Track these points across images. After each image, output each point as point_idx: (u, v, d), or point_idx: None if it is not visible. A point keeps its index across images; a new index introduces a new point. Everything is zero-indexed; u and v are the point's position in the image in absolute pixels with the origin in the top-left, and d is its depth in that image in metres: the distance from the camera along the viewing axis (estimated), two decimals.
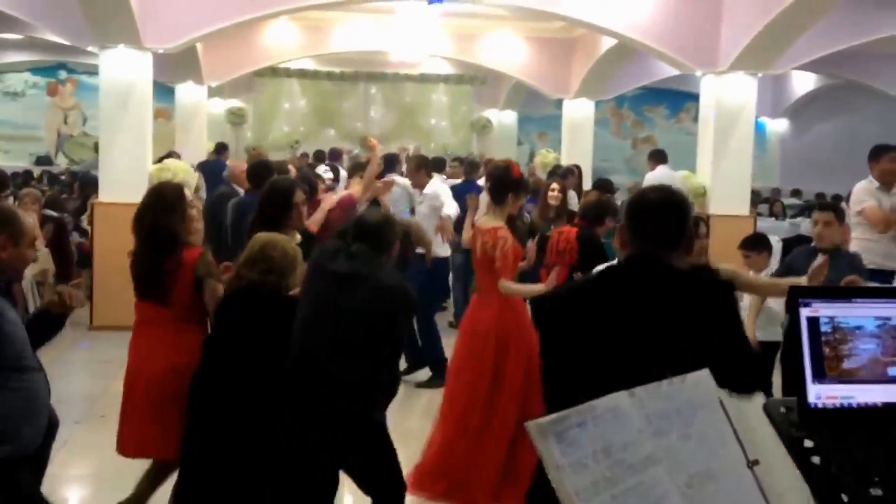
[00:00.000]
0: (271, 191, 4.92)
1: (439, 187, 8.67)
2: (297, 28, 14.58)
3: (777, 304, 5.84)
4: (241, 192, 9.06)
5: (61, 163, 18.81)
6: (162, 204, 4.18)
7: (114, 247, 7.97)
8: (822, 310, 2.04)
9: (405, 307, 3.82)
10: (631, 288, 2.72)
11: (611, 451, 1.56)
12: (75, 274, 10.05)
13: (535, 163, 15.07)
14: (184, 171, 10.07)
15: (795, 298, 2.04)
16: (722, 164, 10.32)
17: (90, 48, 10.10)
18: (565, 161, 14.02)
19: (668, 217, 2.76)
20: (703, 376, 1.75)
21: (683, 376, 1.72)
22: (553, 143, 18.27)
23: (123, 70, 9.66)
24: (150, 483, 4.39)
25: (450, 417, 5.06)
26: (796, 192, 17.53)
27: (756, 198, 13.39)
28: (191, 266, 4.10)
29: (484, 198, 8.47)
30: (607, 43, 12.81)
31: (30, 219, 3.41)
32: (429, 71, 19.11)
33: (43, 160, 18.59)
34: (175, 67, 13.50)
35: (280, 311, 3.83)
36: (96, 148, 11.00)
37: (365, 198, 6.60)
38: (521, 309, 5.21)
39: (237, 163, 10.16)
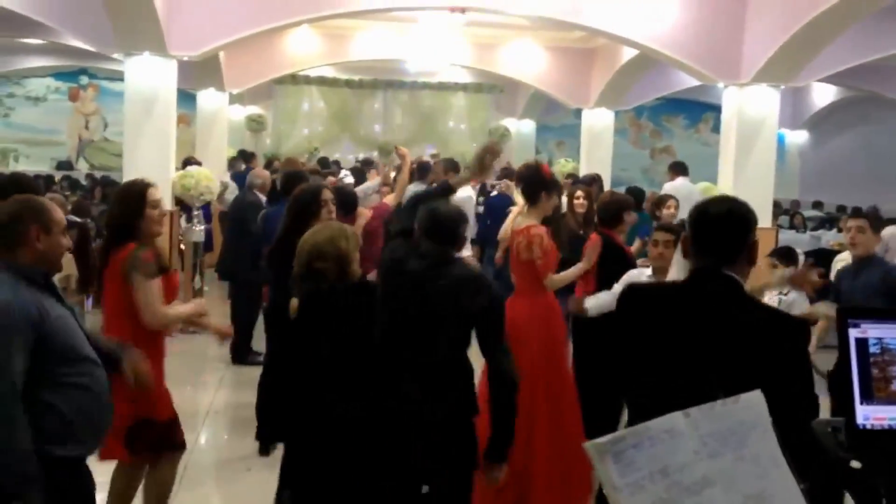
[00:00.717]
0: (299, 194, 4.96)
1: (466, 191, 8.72)
2: (317, 36, 14.65)
3: None
4: (264, 199, 9.12)
5: (82, 168, 18.94)
6: (122, 200, 4.23)
7: None
8: (871, 331, 2.04)
9: (485, 294, 3.64)
10: (691, 303, 2.75)
11: (668, 471, 1.57)
12: (95, 280, 10.11)
13: (553, 172, 15.07)
14: (206, 178, 10.15)
15: (844, 319, 2.04)
16: (744, 176, 10.30)
17: (115, 55, 10.18)
18: (584, 170, 14.04)
19: (730, 230, 2.76)
20: (756, 397, 1.76)
21: (737, 397, 1.73)
22: (571, 153, 18.30)
23: (148, 77, 9.74)
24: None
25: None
26: (818, 204, 17.45)
27: (776, 209, 13.33)
28: (121, 260, 4.07)
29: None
30: (627, 53, 12.83)
31: (58, 208, 3.39)
32: (447, 79, 19.18)
33: (64, 165, 18.71)
34: (197, 74, 13.58)
35: (352, 299, 3.73)
36: (121, 154, 11.11)
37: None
38: (555, 309, 5.27)
39: (261, 171, 10.18)
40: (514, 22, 13.21)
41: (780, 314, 2.76)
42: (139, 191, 4.21)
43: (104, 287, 4.23)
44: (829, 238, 12.68)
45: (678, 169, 11.19)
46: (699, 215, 2.84)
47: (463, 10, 10.97)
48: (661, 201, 7.99)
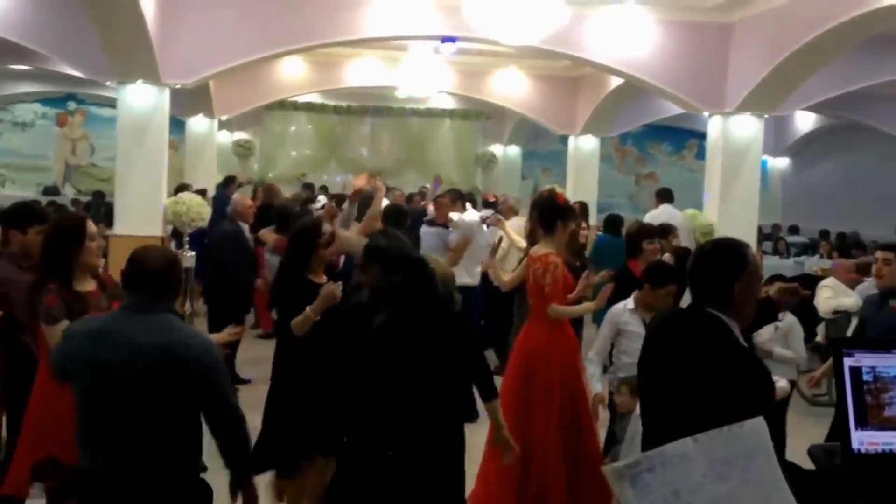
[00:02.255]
0: (298, 232, 4.97)
1: (472, 217, 8.89)
2: (307, 64, 14.78)
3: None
4: (246, 228, 8.61)
5: (68, 193, 18.93)
6: (61, 232, 4.10)
7: None
8: (864, 360, 2.15)
9: None
10: (664, 338, 2.90)
11: (680, 494, 1.66)
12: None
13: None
14: (198, 205, 10.21)
15: (839, 349, 2.15)
16: (729, 203, 10.47)
17: (108, 83, 10.28)
18: (571, 196, 14.19)
19: (706, 271, 2.86)
20: (759, 423, 1.86)
21: (741, 423, 1.83)
22: (557, 179, 18.45)
23: (141, 105, 9.84)
24: None
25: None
26: (794, 229, 17.69)
27: (758, 235, 13.51)
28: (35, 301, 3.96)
29: (515, 223, 8.65)
30: (614, 81, 13.01)
31: None
32: (435, 106, 19.32)
33: (50, 190, 18.69)
34: (187, 101, 13.66)
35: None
36: (108, 179, 11.14)
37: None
38: (571, 335, 5.37)
39: (243, 197, 9.56)
40: (501, 50, 13.40)
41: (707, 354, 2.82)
42: (79, 223, 4.16)
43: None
44: (812, 264, 12.86)
45: (663, 196, 11.27)
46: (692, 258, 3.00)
47: (453, 40, 11.14)
48: (667, 231, 8.00)
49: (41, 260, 4.10)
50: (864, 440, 2.12)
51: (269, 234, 7.73)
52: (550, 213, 5.30)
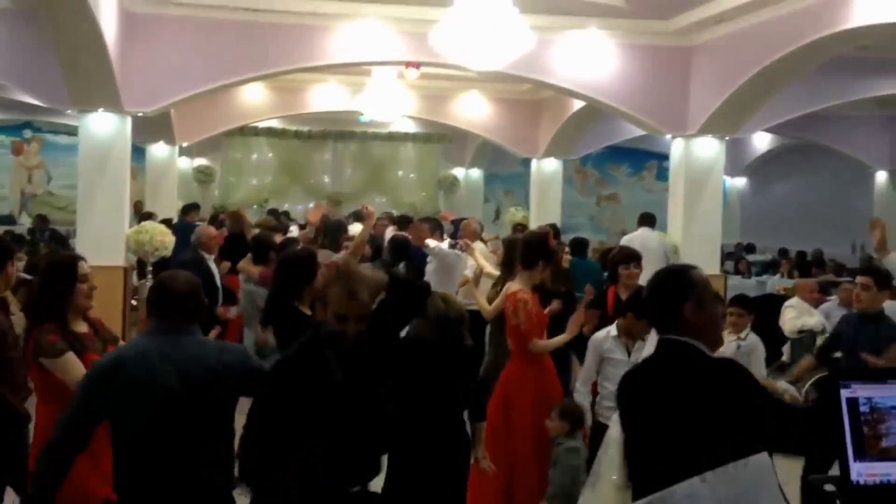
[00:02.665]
0: (292, 262, 4.93)
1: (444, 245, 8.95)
2: (269, 90, 14.70)
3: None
4: (210, 258, 8.47)
5: (25, 222, 18.59)
6: (52, 274, 4.07)
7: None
8: (860, 391, 2.16)
9: None
10: (647, 375, 2.90)
11: None
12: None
13: (505, 221, 15.34)
14: (161, 234, 10.08)
15: (835, 380, 2.16)
16: (692, 224, 10.58)
17: (69, 111, 10.13)
18: (534, 219, 14.26)
19: (655, 298, 2.89)
20: (763, 459, 1.86)
21: (746, 460, 1.83)
22: (519, 201, 18.54)
23: (103, 133, 9.71)
24: None
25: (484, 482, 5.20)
26: (750, 248, 17.91)
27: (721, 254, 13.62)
28: (32, 344, 3.93)
29: (483, 248, 8.66)
30: (576, 104, 13.11)
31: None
32: (397, 130, 19.31)
33: (6, 219, 18.33)
34: (148, 128, 13.49)
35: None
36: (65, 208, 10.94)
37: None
38: (549, 369, 5.42)
39: (207, 228, 9.44)
40: (463, 74, 13.44)
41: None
42: (70, 264, 4.10)
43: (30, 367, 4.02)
44: (774, 283, 13.01)
45: (644, 220, 11.20)
46: None
47: (418, 66, 11.15)
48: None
49: (35, 302, 4.08)
50: (863, 471, 2.12)
51: (250, 266, 7.53)
52: (536, 251, 5.35)
